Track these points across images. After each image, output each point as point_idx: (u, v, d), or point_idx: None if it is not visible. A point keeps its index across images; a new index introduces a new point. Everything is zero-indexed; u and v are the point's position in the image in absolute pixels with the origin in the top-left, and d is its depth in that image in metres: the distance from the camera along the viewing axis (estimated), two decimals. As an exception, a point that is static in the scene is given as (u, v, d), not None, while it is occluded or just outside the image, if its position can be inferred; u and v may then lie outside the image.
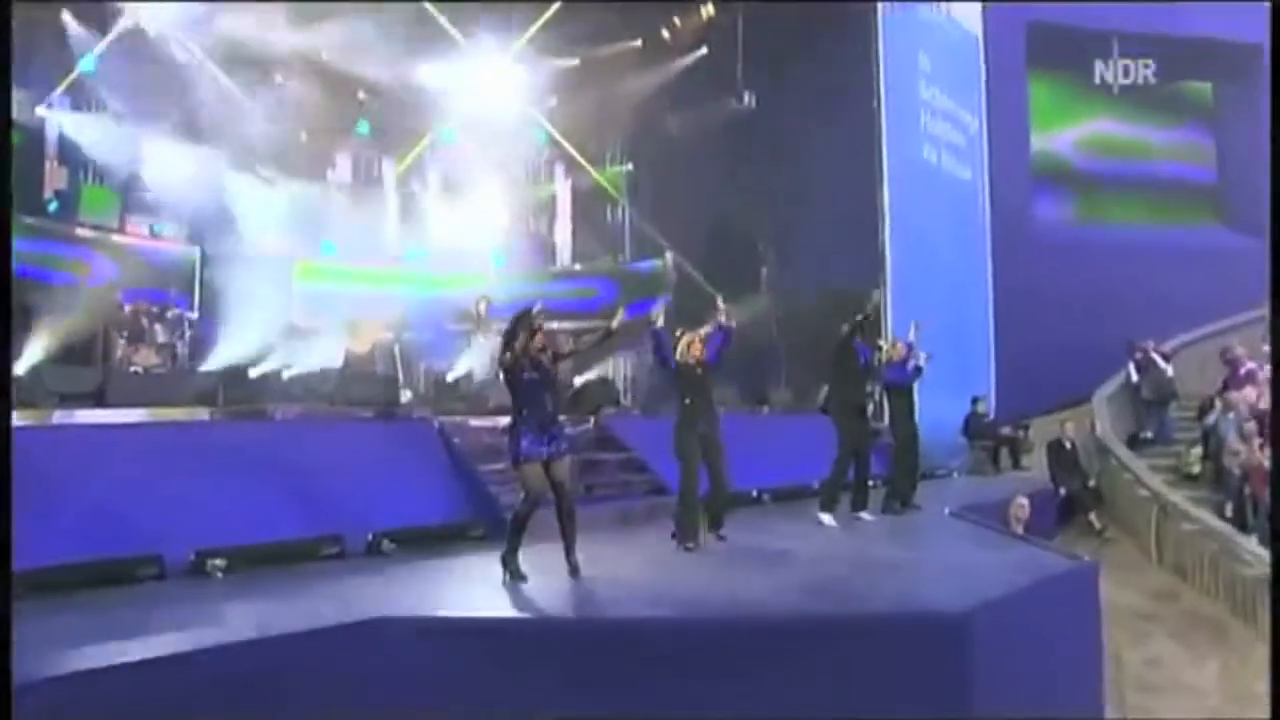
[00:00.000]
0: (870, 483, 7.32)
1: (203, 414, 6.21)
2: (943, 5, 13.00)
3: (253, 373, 9.16)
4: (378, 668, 3.50)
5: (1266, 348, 10.03)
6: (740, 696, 3.54)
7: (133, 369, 8.72)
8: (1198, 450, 9.66)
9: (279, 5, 11.82)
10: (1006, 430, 12.04)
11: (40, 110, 10.85)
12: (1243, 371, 10.30)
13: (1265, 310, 11.22)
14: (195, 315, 10.52)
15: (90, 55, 11.05)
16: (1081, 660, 4.59)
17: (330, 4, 12.28)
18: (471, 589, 4.60)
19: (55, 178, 10.98)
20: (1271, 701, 4.38)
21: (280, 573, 4.78)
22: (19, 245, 8.88)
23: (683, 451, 5.85)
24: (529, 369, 4.69)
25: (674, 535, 5.80)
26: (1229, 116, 15.04)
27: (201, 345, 9.94)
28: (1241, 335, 11.40)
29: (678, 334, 6.07)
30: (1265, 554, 6.95)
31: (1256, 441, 8.74)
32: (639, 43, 13.42)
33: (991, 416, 12.50)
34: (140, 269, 10.49)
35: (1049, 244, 14.37)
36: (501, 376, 4.93)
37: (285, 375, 9.95)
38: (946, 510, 7.43)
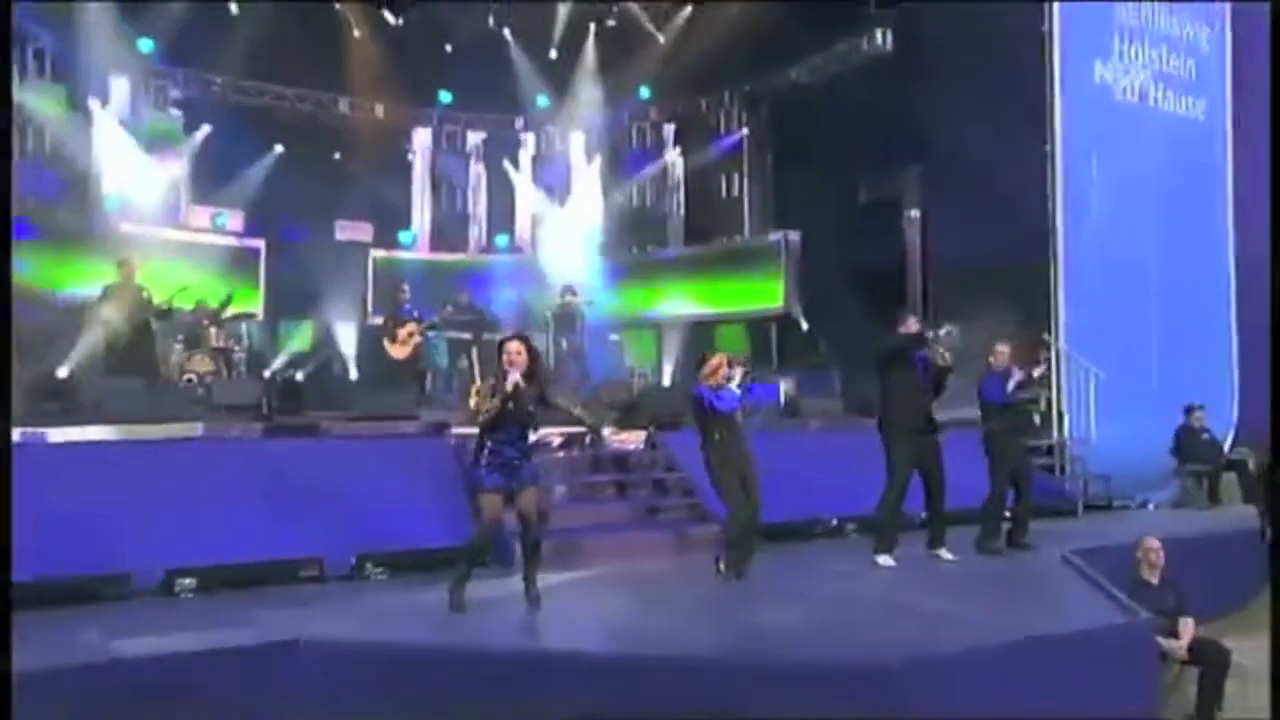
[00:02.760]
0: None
1: (197, 429, 7.64)
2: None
3: (300, 377, 10.64)
4: (285, 688, 4.51)
5: None
6: None
7: (186, 376, 10.53)
8: None
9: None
10: (1243, 452, 11.52)
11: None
12: None
13: None
14: (260, 315, 12.43)
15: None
16: None
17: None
18: (421, 615, 5.54)
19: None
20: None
21: (249, 595, 5.89)
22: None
23: (721, 481, 6.71)
24: (515, 401, 5.49)
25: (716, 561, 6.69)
26: None
27: (263, 348, 11.78)
28: None
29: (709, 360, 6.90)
30: None
31: None
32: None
33: (1230, 432, 12.02)
34: (203, 265, 12.45)
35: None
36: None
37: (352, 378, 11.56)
38: (1060, 554, 7.51)
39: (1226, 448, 11.87)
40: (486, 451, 5.57)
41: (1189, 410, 11.23)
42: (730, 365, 6.88)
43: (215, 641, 4.75)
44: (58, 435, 7.51)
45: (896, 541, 7.37)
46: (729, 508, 6.76)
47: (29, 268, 11.59)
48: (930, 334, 7.64)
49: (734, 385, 6.76)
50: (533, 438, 5.98)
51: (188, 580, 5.98)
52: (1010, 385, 7.97)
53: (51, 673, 4.30)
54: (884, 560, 7.24)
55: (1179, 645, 6.76)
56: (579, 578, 6.94)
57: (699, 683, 4.58)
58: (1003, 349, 8.10)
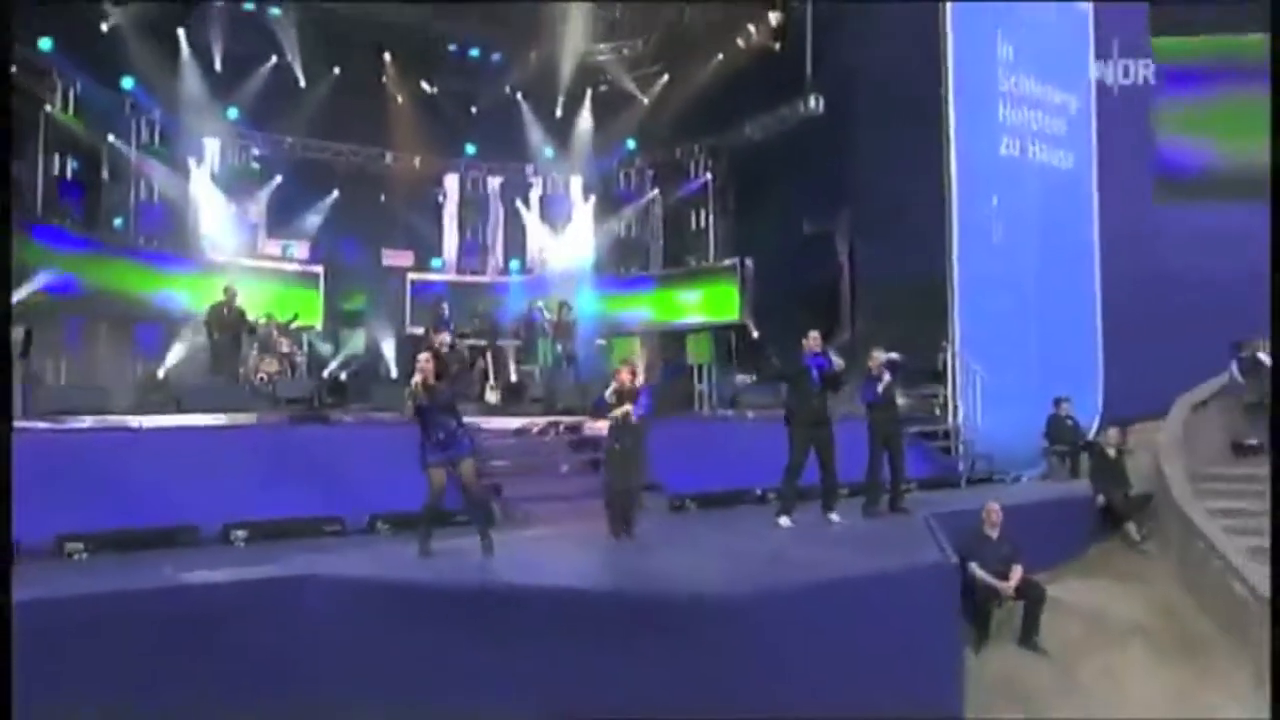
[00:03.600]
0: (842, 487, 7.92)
1: (253, 418, 8.32)
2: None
3: (344, 377, 11.32)
4: (302, 607, 5.12)
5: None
6: (525, 648, 4.92)
7: (259, 375, 11.23)
8: (1299, 462, 9.29)
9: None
10: (1102, 436, 11.93)
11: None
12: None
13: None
14: (318, 326, 13.14)
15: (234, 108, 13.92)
16: (904, 655, 5.33)
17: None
18: (404, 559, 6.06)
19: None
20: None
21: (285, 544, 6.48)
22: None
23: (608, 456, 7.07)
24: (424, 398, 6.00)
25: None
26: None
27: (320, 354, 12.48)
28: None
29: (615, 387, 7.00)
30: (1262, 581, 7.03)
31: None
32: (720, 56, 14.55)
33: (1095, 419, 12.39)
34: (274, 286, 13.17)
35: (1183, 231, 13.75)
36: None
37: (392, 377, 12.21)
38: (922, 515, 7.93)
39: (1092, 433, 12.25)
40: (429, 436, 6.06)
41: (1057, 402, 11.43)
42: (633, 377, 6.97)
43: (254, 574, 5.38)
44: (152, 421, 8.21)
45: (794, 507, 7.61)
46: (607, 479, 6.98)
47: (153, 287, 12.47)
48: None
49: (607, 394, 6.90)
50: (515, 423, 6.43)
51: (240, 532, 6.60)
52: (880, 388, 8.15)
53: (136, 593, 5.02)
54: (784, 521, 7.51)
55: (1008, 585, 7.22)
56: (540, 534, 7.44)
57: (601, 610, 5.08)
58: (878, 354, 8.28)
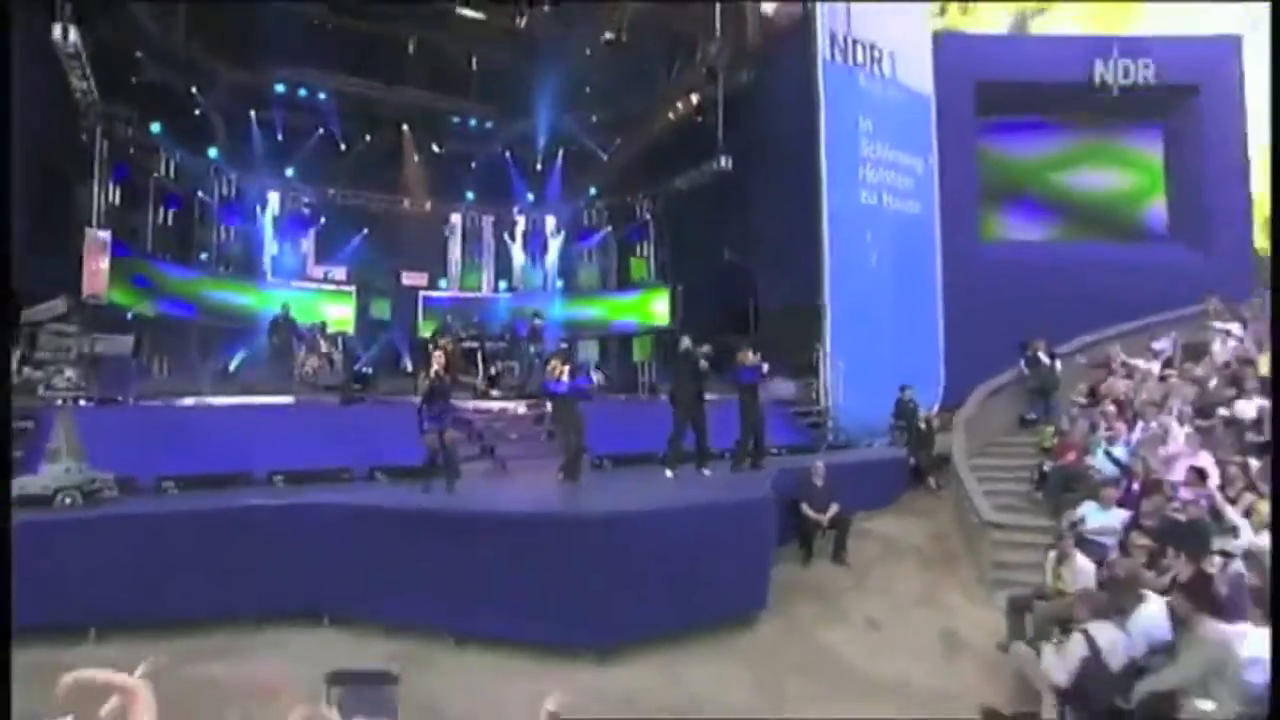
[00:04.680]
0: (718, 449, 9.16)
1: (290, 399, 9.61)
2: (888, 72, 14.04)
3: (368, 370, 12.61)
4: (310, 527, 6.44)
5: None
6: (483, 550, 6.18)
7: (305, 369, 12.46)
8: (1051, 429, 10.55)
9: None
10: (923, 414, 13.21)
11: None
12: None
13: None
14: (351, 331, 14.40)
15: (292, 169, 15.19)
16: (728, 556, 6.56)
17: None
18: (392, 495, 7.30)
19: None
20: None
21: (310, 485, 7.67)
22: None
23: (560, 432, 8.38)
24: (435, 383, 7.23)
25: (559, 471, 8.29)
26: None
27: (354, 354, 13.69)
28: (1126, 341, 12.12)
29: (550, 363, 8.32)
30: (987, 510, 8.40)
31: (1080, 424, 9.84)
32: (657, 125, 15.76)
33: (936, 404, 13.61)
34: (317, 301, 14.43)
35: (997, 260, 15.12)
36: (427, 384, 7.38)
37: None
38: (770, 471, 8.97)
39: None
40: (426, 410, 7.19)
41: (902, 389, 12.42)
42: (563, 365, 8.23)
43: (287, 501, 6.68)
44: (225, 401, 9.43)
45: (678, 463, 8.68)
46: (563, 446, 8.16)
47: (229, 302, 13.71)
48: (703, 349, 9.08)
49: (564, 378, 8.12)
50: (492, 406, 7.38)
51: (279, 478, 7.74)
52: (761, 373, 9.19)
53: (210, 510, 6.32)
54: (669, 473, 8.61)
55: (825, 518, 8.40)
56: (506, 479, 8.69)
57: (530, 525, 6.34)
58: (745, 352, 9.24)
